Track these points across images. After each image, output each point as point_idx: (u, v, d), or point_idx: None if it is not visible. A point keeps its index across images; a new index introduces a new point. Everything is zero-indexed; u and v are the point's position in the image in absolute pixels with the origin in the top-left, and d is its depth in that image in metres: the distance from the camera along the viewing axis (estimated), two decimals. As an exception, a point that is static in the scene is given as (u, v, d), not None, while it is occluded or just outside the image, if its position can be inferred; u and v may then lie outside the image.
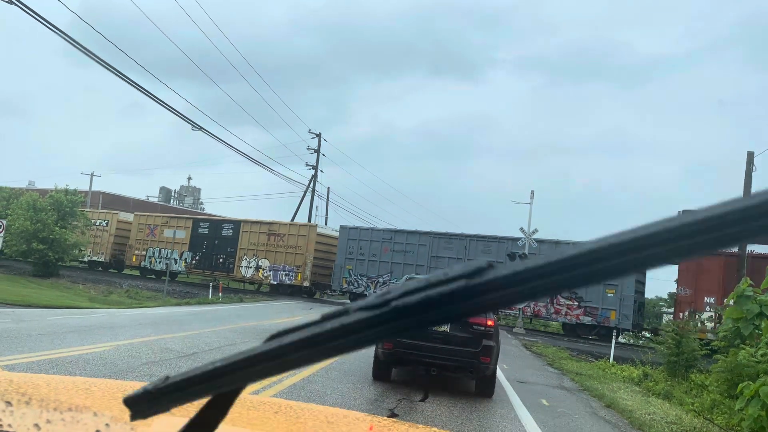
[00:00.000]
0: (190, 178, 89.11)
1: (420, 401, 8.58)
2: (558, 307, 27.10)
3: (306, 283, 32.74)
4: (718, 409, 10.53)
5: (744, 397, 8.34)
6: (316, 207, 44.81)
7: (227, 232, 35.57)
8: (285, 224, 35.11)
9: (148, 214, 40.59)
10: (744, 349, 10.84)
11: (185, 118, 25.71)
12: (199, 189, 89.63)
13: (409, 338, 9.03)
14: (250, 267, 34.47)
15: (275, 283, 33.55)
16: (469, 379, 9.66)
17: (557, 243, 27.45)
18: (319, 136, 44.85)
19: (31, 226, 31.94)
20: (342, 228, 32.89)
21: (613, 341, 20.60)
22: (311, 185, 44.28)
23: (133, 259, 38.45)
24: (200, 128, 26.28)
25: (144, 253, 37.96)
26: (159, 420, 1.28)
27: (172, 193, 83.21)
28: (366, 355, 11.62)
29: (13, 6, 14.45)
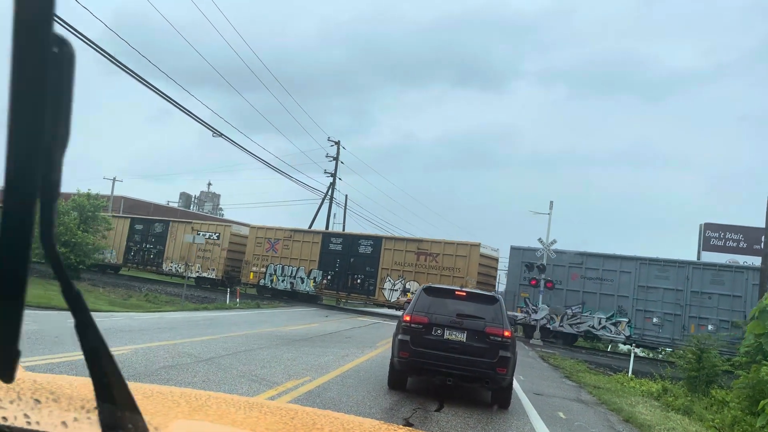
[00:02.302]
0: (210, 184, 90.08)
1: (435, 411, 8.54)
2: None
3: None
4: (739, 426, 10.34)
5: (765, 414, 8.20)
6: (334, 214, 44.94)
7: (365, 249, 31.68)
8: (438, 242, 30.22)
9: (267, 227, 35.94)
10: (766, 365, 10.66)
11: (207, 125, 26.02)
12: (219, 195, 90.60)
13: (425, 347, 9.01)
14: (396, 290, 30.19)
15: None
16: (485, 389, 9.60)
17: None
18: (338, 143, 45.11)
19: (53, 230, 32.50)
20: (513, 249, 28.50)
21: (632, 355, 20.32)
22: (329, 193, 44.51)
23: (251, 277, 34.99)
24: (221, 135, 26.58)
25: (264, 270, 34.51)
26: (178, 422, 1.29)
27: (192, 199, 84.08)
28: (382, 364, 11.60)
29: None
